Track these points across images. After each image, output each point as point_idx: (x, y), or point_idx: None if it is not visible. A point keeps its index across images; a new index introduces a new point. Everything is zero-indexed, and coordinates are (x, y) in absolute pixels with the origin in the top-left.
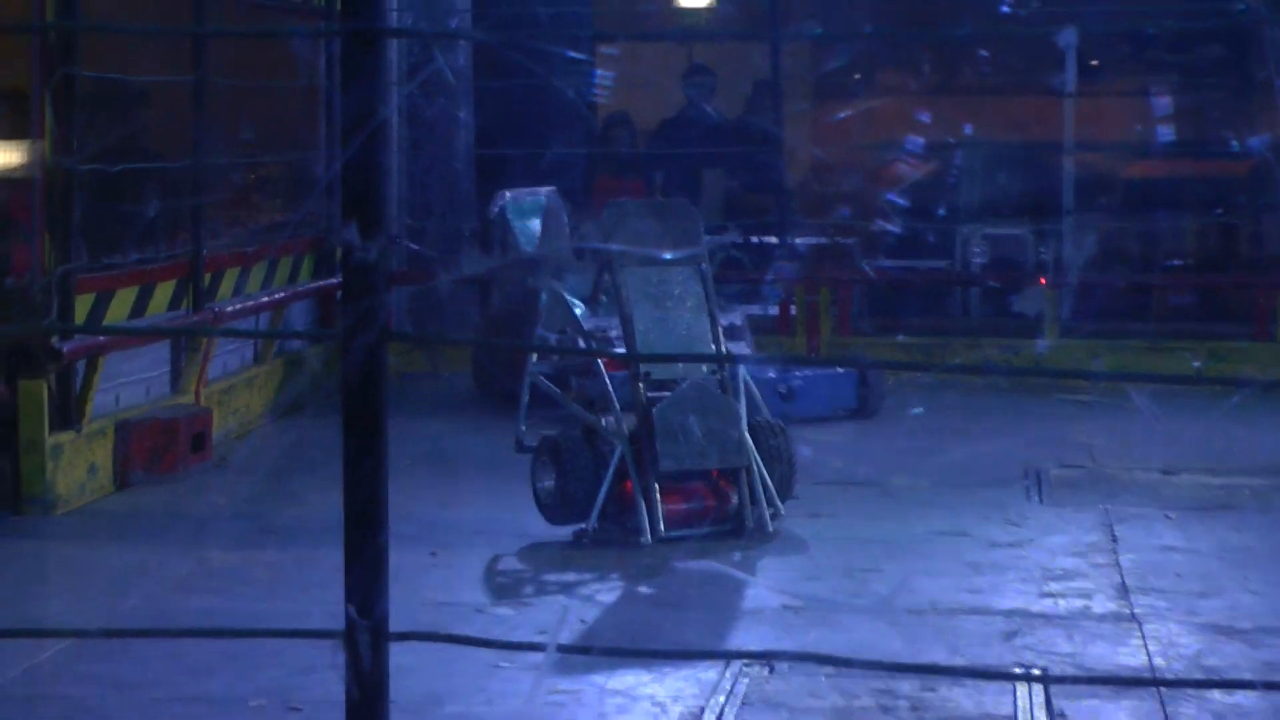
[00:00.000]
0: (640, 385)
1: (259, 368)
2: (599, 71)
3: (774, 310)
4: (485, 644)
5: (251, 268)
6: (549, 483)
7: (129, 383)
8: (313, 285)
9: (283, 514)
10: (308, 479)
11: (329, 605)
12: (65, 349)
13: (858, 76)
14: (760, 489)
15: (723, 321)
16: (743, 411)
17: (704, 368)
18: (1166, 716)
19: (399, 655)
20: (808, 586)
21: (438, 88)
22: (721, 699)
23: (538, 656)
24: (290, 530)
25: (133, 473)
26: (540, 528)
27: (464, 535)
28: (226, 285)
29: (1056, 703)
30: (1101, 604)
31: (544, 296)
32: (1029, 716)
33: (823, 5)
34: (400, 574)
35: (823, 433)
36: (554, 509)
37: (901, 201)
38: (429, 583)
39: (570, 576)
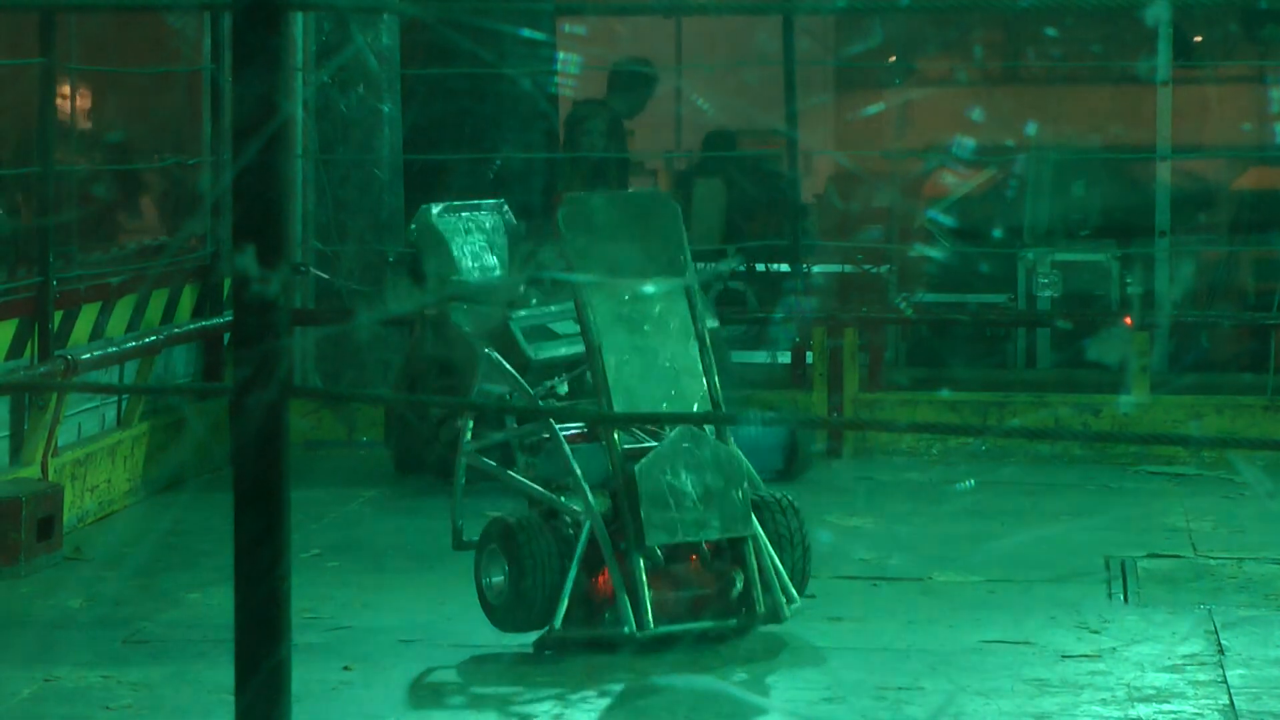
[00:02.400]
0: (615, 437)
1: (124, 432)
2: (562, 55)
3: (785, 358)
4: None
5: (115, 304)
6: (499, 578)
7: None
8: (194, 326)
9: (154, 619)
10: (187, 575)
11: None
12: None
13: (893, 59)
14: (770, 565)
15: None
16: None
17: (695, 408)
18: None
19: None
20: (828, 711)
21: (356, 76)
22: None
23: None
24: (164, 640)
25: None
26: (488, 635)
27: (387, 645)
28: (83, 326)
29: None
30: None
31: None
32: None
33: None
34: (306, 695)
35: (848, 515)
36: (506, 611)
37: (947, 220)
38: (342, 706)
39: (525, 697)
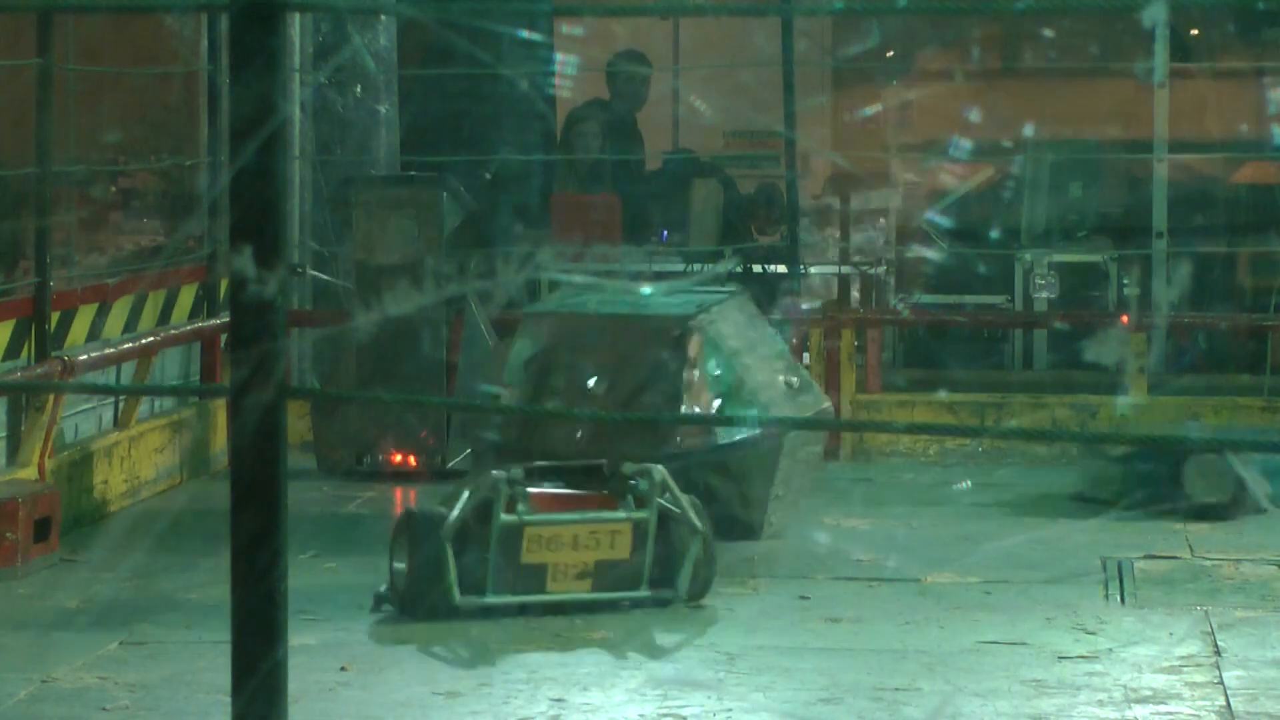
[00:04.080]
0: None
1: (121, 433)
2: (560, 56)
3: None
4: None
5: (113, 305)
6: (401, 564)
7: None
8: (191, 327)
9: (152, 620)
10: (184, 576)
11: None
12: None
13: (891, 53)
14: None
15: None
16: None
17: None
18: None
19: None
20: (825, 711)
21: (353, 77)
22: None
23: None
24: (161, 642)
25: None
26: (487, 635)
27: (385, 645)
28: (80, 327)
29: None
30: None
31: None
32: None
33: None
34: (304, 695)
35: (845, 516)
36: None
37: (945, 221)
38: (340, 707)
39: (524, 696)
